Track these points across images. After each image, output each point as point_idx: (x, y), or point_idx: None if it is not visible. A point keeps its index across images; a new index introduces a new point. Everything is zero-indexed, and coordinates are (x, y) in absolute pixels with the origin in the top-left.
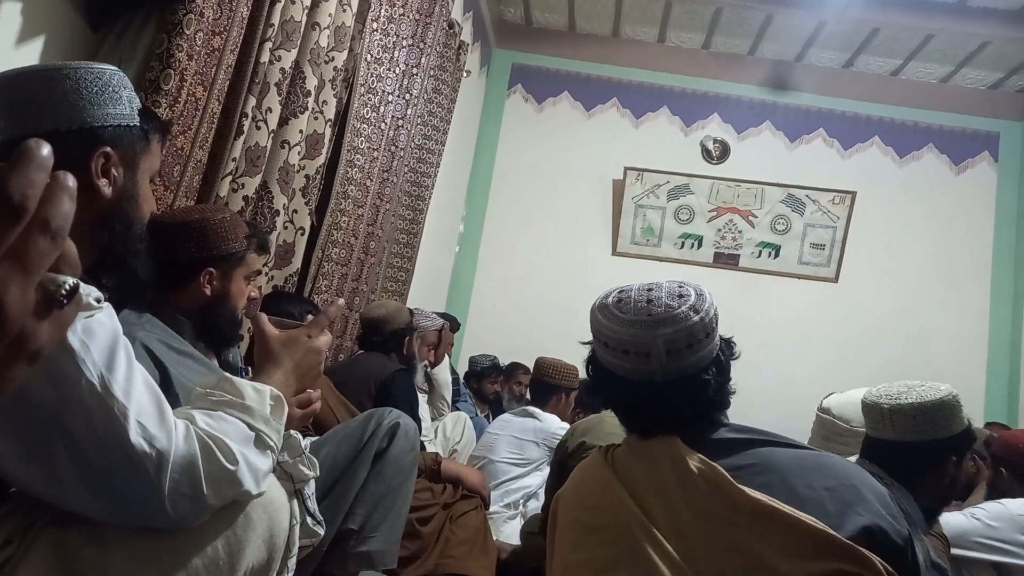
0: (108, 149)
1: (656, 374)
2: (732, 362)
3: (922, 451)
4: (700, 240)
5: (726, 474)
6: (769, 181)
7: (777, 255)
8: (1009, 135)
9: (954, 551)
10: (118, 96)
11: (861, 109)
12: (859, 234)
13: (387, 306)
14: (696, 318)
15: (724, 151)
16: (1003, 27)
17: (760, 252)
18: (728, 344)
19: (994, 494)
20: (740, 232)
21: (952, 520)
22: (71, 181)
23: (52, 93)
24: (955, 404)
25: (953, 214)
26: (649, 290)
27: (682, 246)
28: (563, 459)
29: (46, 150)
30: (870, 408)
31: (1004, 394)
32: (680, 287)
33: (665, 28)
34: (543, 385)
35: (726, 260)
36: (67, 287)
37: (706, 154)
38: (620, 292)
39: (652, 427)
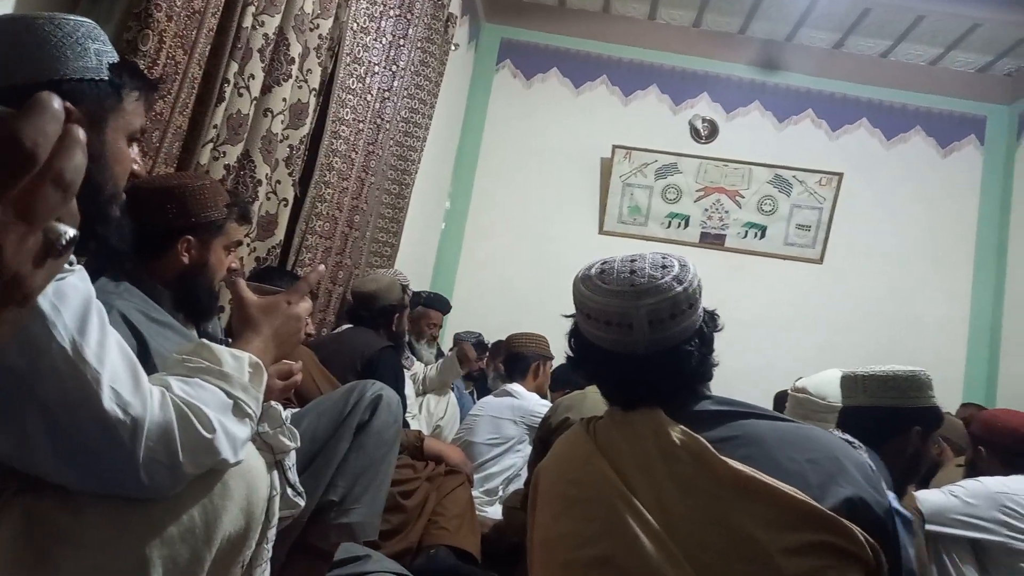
0: (67, 104)
1: (639, 345)
2: (715, 336)
3: (890, 416)
4: (687, 220)
5: (708, 445)
6: (757, 161)
7: (763, 236)
8: (995, 119)
9: (932, 527)
10: (83, 48)
11: (850, 91)
12: (845, 216)
13: (379, 280)
14: (679, 288)
15: (712, 130)
16: (994, 9)
17: (746, 232)
18: (712, 316)
19: (973, 473)
20: (727, 212)
21: (930, 497)
22: (83, 135)
23: (6, 46)
24: (925, 380)
25: (939, 197)
26: (632, 261)
27: (669, 225)
28: (546, 436)
29: (58, 102)
30: (847, 379)
31: (984, 376)
32: (664, 258)
33: (656, 5)
34: (518, 357)
35: (712, 240)
36: (67, 237)
37: (694, 133)
38: (603, 263)
39: (634, 399)
